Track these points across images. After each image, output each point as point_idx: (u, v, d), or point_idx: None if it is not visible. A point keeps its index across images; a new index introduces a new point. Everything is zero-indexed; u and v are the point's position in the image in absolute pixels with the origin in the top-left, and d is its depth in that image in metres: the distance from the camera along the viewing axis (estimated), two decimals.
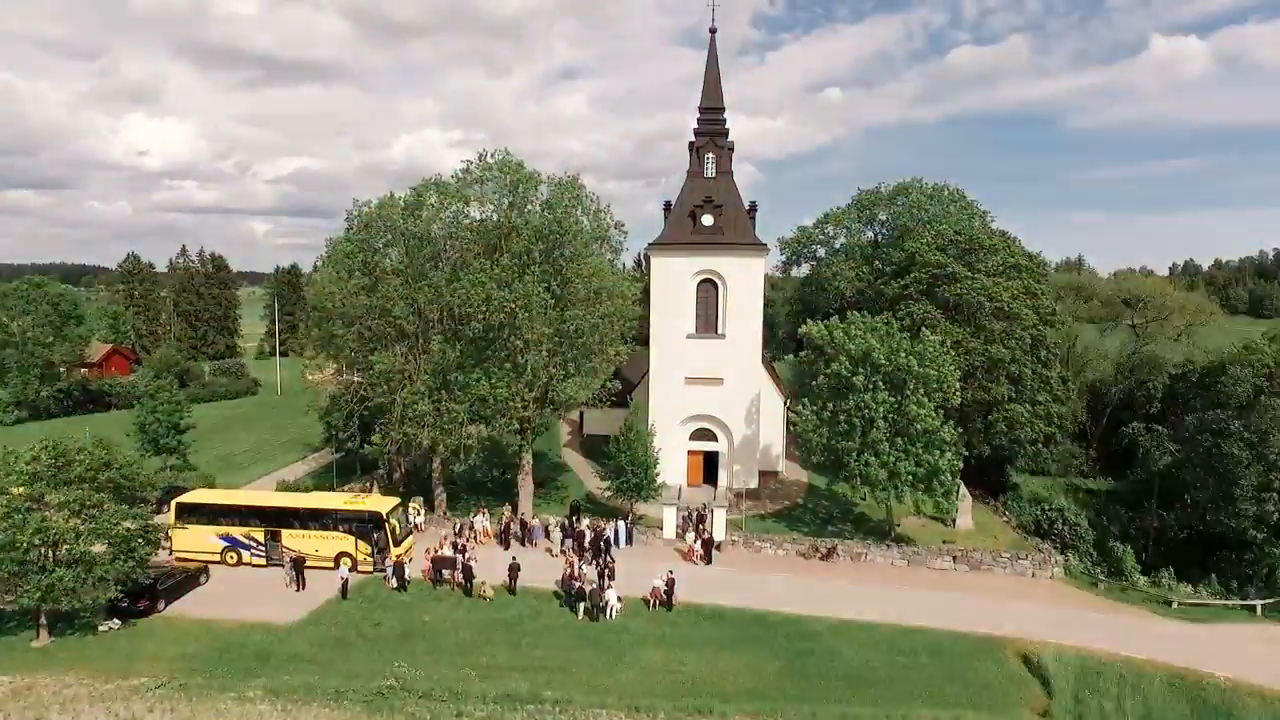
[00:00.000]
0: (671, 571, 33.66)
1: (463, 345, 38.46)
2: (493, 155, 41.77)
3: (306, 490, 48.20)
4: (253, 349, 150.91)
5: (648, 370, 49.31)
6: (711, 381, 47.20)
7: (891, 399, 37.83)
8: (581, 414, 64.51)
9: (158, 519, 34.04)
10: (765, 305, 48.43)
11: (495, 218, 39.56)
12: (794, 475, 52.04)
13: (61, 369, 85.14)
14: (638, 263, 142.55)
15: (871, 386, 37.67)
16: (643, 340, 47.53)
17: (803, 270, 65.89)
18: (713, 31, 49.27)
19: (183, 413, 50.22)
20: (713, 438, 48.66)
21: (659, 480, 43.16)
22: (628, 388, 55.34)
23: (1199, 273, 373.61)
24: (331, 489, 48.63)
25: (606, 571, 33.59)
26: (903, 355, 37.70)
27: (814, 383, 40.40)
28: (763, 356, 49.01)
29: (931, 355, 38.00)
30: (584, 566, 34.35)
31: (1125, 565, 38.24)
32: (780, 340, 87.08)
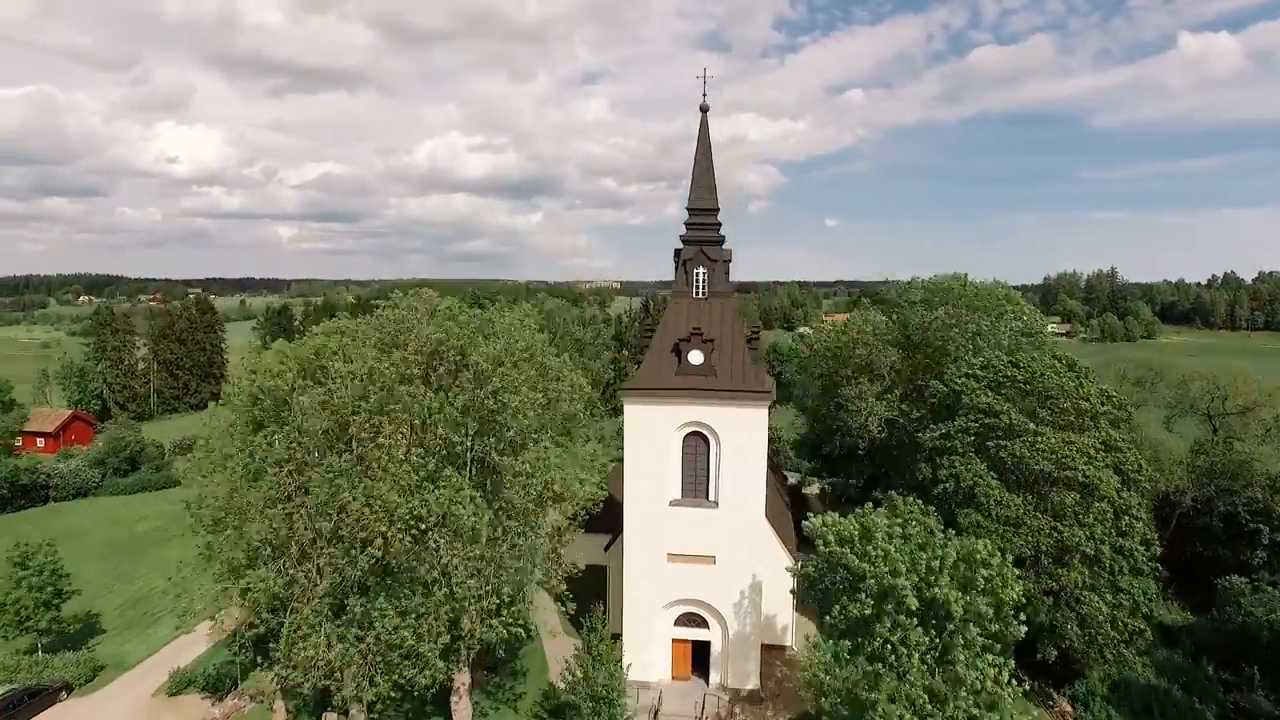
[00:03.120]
0: None
1: (365, 562, 29.09)
2: (416, 295, 32.68)
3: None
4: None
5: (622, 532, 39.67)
6: (701, 560, 37.52)
7: (929, 639, 27.97)
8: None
9: None
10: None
11: (420, 385, 30.15)
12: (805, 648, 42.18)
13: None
14: (646, 308, 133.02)
15: (900, 626, 27.80)
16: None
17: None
18: (704, 110, 39.54)
19: (62, 583, 41.48)
20: (703, 623, 38.97)
21: (630, 699, 33.49)
22: (613, 510, 45.48)
23: (1241, 286, 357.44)
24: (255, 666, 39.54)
25: None
26: (944, 584, 27.76)
27: (826, 617, 30.58)
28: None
29: (984, 581, 28.03)
30: None
31: None
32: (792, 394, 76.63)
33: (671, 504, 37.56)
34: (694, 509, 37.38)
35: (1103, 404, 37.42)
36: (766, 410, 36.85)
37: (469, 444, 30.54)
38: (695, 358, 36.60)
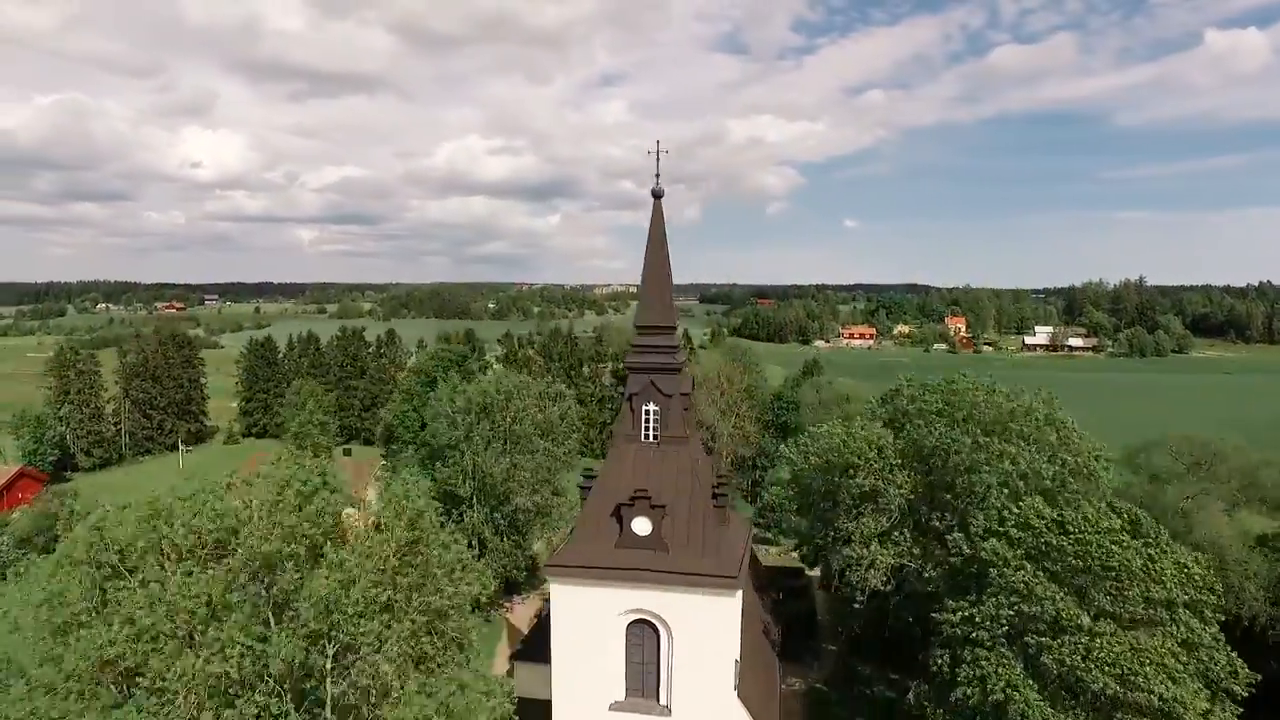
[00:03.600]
0: None
1: None
2: (257, 475, 24.52)
3: None
4: (229, 414, 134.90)
5: None
6: None
7: None
8: (512, 667, 47.38)
9: None
10: None
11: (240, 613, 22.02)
12: None
13: None
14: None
15: None
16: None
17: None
18: (657, 196, 31.13)
19: None
20: None
21: None
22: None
23: None
24: None
25: None
26: None
27: None
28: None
29: None
30: None
31: None
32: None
33: (612, 707, 29.16)
34: (641, 714, 29.00)
35: (1182, 581, 28.48)
36: (737, 599, 28.27)
37: (324, 676, 22.45)
38: (641, 526, 28.16)
